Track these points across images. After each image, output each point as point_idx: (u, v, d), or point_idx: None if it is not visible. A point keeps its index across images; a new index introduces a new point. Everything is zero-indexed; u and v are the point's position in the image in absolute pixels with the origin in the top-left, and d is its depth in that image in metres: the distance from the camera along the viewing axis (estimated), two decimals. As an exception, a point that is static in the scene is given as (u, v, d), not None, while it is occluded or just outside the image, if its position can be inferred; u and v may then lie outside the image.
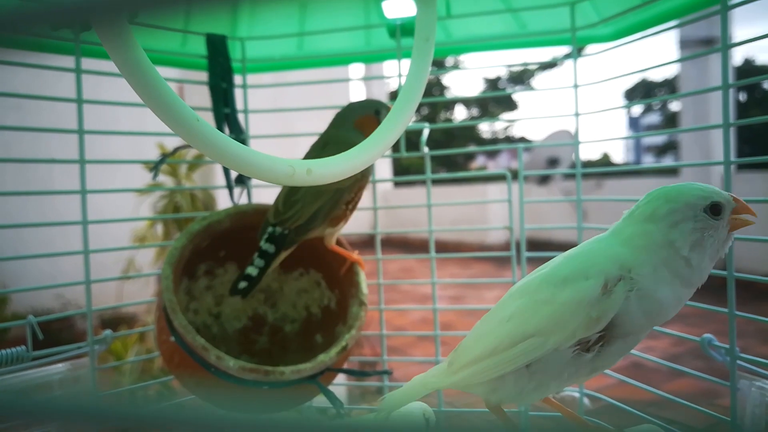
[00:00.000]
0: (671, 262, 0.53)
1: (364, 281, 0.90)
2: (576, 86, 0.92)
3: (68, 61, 0.86)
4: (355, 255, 0.91)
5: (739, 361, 0.70)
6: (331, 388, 0.85)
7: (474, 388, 0.60)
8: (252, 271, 0.83)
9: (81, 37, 0.82)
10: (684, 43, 5.84)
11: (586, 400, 0.94)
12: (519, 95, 14.62)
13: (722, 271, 0.70)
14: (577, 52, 0.93)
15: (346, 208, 0.85)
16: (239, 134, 1.00)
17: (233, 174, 0.99)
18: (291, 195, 0.84)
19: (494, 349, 0.56)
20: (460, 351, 0.61)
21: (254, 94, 1.10)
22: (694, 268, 0.53)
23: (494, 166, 12.88)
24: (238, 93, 1.03)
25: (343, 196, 0.84)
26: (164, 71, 1.06)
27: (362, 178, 0.85)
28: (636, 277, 0.52)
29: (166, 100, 0.46)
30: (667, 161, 12.12)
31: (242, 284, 0.83)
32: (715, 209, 0.53)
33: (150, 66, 0.46)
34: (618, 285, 0.52)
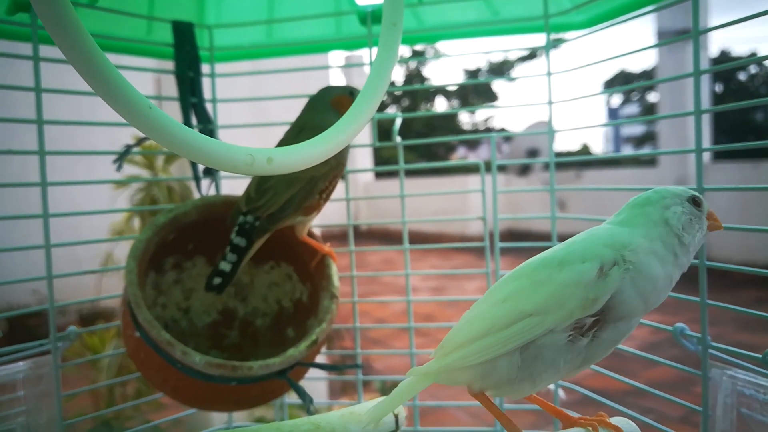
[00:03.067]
0: (666, 239, 0.57)
1: (336, 274, 0.89)
2: (549, 74, 0.91)
3: (28, 48, 0.83)
4: (326, 247, 0.90)
5: (711, 350, 0.70)
6: (310, 382, 0.83)
7: (460, 376, 0.58)
8: (225, 266, 0.81)
9: (38, 22, 0.79)
10: (661, 34, 5.89)
11: (561, 392, 0.94)
12: (499, 87, 14.66)
13: (694, 260, 0.69)
14: (551, 40, 0.92)
15: (320, 197, 0.83)
16: (207, 124, 0.97)
17: (201, 166, 0.97)
18: (263, 182, 0.82)
19: (489, 329, 0.56)
20: (448, 337, 0.60)
21: (231, 84, 1.07)
22: (686, 247, 0.58)
23: (475, 158, 12.91)
24: (206, 82, 1.00)
25: (317, 184, 0.82)
26: (140, 61, 1.03)
27: (337, 167, 0.83)
28: (630, 256, 0.55)
29: (114, 86, 0.43)
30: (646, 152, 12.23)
31: (216, 280, 0.81)
32: (695, 201, 0.60)
33: (96, 49, 0.43)
34: (613, 269, 0.54)
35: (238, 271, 0.81)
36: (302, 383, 0.83)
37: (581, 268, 0.54)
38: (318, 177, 0.82)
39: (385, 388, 2.61)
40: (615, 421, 0.61)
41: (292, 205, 0.81)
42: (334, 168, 0.83)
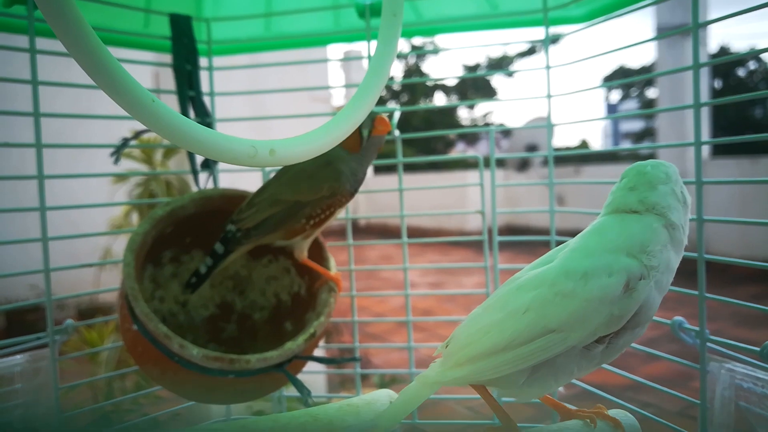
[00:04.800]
0: (684, 217, 0.56)
1: (334, 267, 0.88)
2: (548, 68, 0.91)
3: (25, 40, 0.82)
4: (332, 273, 0.88)
5: (709, 344, 0.70)
6: (308, 375, 0.83)
7: (468, 381, 0.56)
8: (202, 268, 0.83)
9: (35, 14, 0.79)
10: (660, 29, 5.88)
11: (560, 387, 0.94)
12: (498, 83, 14.65)
13: (693, 254, 0.69)
14: (550, 34, 0.92)
15: (305, 223, 0.82)
16: (205, 117, 0.97)
17: (199, 159, 0.97)
18: (256, 197, 0.83)
19: (509, 343, 0.53)
20: (460, 344, 0.57)
21: (229, 77, 1.07)
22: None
23: (474, 153, 12.86)
24: (204, 75, 1.00)
25: (303, 209, 0.81)
26: (138, 54, 1.03)
27: (330, 197, 0.80)
28: (653, 261, 0.52)
29: (118, 80, 0.43)
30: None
31: (192, 279, 0.84)
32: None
33: (99, 43, 0.43)
34: (639, 283, 0.52)
35: (211, 275, 0.84)
36: (301, 377, 0.83)
37: (607, 282, 0.52)
38: (304, 203, 0.80)
39: (384, 383, 2.61)
40: (613, 413, 0.60)
41: (269, 225, 0.81)
42: (327, 198, 0.80)
